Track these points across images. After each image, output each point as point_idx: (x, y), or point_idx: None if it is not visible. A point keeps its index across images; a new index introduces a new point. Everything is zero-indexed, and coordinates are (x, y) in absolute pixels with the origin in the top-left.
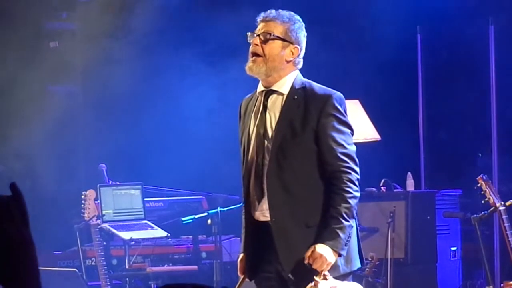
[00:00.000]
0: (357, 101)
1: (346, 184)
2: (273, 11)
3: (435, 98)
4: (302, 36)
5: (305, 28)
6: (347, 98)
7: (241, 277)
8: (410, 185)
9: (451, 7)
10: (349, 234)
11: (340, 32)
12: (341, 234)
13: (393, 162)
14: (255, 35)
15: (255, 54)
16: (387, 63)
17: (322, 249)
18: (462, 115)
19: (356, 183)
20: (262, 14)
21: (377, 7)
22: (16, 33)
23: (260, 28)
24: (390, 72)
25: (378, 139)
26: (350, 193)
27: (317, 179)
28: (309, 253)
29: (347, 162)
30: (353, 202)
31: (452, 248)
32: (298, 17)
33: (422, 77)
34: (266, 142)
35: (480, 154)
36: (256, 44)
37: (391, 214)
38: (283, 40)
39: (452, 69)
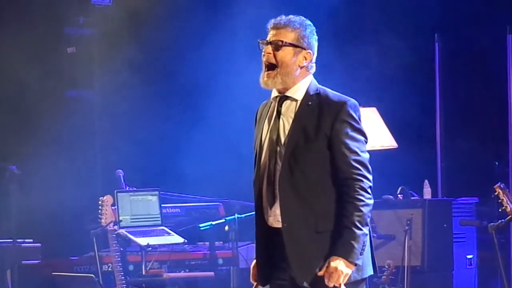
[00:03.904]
0: (374, 109)
1: (358, 192)
2: (284, 17)
3: (453, 106)
4: (314, 40)
5: (318, 34)
6: (364, 106)
7: (254, 284)
8: (427, 193)
9: (469, 15)
10: (364, 243)
11: (358, 39)
12: (355, 244)
13: (410, 170)
14: (266, 42)
15: (268, 64)
16: (405, 71)
17: (336, 262)
18: (479, 123)
19: (369, 190)
20: (273, 21)
21: (396, 14)
22: (34, 38)
23: (271, 35)
24: (407, 80)
25: (395, 147)
26: (363, 201)
27: (329, 185)
28: (324, 268)
29: (359, 169)
30: (365, 210)
31: (468, 256)
32: (309, 22)
33: (439, 84)
34: (278, 147)
35: (497, 163)
36: (269, 53)
37: (408, 222)
38: (296, 46)
39: (470, 77)
